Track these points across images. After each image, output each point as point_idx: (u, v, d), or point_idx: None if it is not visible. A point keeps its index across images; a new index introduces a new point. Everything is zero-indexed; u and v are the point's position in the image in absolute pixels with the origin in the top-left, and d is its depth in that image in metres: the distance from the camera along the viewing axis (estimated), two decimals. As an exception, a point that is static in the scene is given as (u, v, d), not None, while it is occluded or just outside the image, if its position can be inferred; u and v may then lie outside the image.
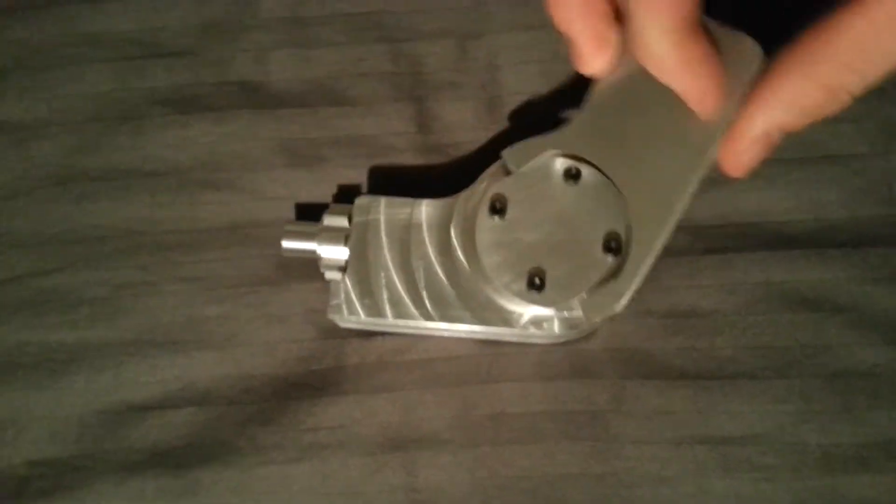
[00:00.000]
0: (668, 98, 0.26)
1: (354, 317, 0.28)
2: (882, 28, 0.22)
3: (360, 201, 0.29)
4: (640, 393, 0.28)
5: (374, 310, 0.28)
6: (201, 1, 0.34)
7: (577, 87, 0.31)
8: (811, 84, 0.23)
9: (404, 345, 0.29)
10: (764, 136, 0.24)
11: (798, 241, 0.30)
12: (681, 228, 0.27)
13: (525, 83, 0.33)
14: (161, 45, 0.34)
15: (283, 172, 0.32)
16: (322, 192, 0.32)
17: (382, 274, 0.28)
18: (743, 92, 0.26)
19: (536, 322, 0.27)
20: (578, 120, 0.27)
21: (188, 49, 0.33)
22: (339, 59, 0.33)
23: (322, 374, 0.30)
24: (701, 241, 0.30)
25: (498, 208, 0.27)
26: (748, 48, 0.27)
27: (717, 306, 0.29)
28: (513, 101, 0.32)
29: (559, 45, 0.32)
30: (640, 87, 0.27)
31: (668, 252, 0.27)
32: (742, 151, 0.25)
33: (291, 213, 0.31)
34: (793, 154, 0.31)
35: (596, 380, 0.29)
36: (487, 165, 0.29)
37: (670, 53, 0.24)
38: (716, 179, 0.28)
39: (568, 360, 0.29)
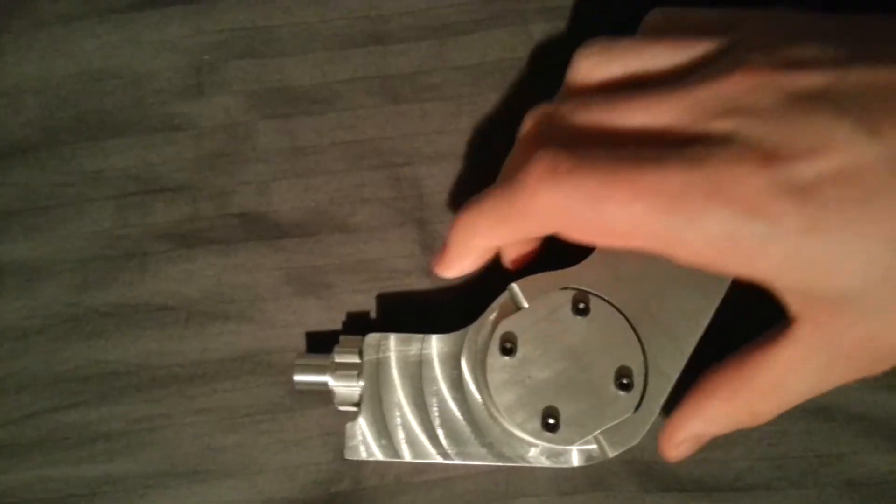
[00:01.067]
0: None
1: (372, 458, 0.28)
2: (791, 370, 0.23)
3: (370, 339, 0.29)
4: None
5: (391, 450, 0.28)
6: (199, 135, 0.34)
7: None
8: (733, 408, 0.25)
9: (422, 464, 0.30)
10: (693, 438, 0.26)
11: None
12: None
13: None
14: (160, 180, 0.33)
15: (290, 301, 0.32)
16: (331, 317, 0.32)
17: (397, 413, 0.28)
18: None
19: (553, 455, 0.28)
20: (590, 259, 0.28)
21: (188, 183, 0.33)
22: (340, 187, 0.33)
23: (341, 496, 0.30)
24: None
25: (508, 348, 0.27)
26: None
27: None
28: (514, 219, 0.32)
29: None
30: None
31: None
32: (674, 446, 0.27)
33: (301, 340, 0.31)
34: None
35: (614, 493, 0.29)
36: (493, 285, 0.29)
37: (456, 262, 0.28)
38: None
39: (584, 472, 0.29)
